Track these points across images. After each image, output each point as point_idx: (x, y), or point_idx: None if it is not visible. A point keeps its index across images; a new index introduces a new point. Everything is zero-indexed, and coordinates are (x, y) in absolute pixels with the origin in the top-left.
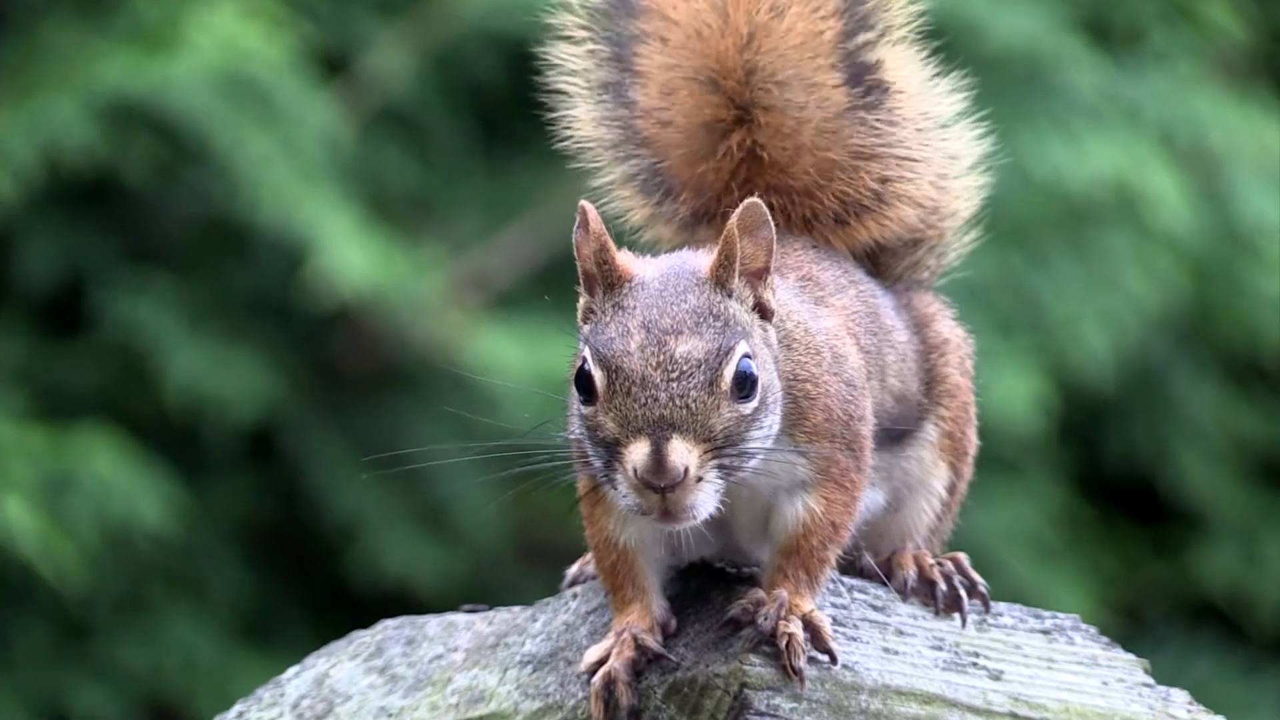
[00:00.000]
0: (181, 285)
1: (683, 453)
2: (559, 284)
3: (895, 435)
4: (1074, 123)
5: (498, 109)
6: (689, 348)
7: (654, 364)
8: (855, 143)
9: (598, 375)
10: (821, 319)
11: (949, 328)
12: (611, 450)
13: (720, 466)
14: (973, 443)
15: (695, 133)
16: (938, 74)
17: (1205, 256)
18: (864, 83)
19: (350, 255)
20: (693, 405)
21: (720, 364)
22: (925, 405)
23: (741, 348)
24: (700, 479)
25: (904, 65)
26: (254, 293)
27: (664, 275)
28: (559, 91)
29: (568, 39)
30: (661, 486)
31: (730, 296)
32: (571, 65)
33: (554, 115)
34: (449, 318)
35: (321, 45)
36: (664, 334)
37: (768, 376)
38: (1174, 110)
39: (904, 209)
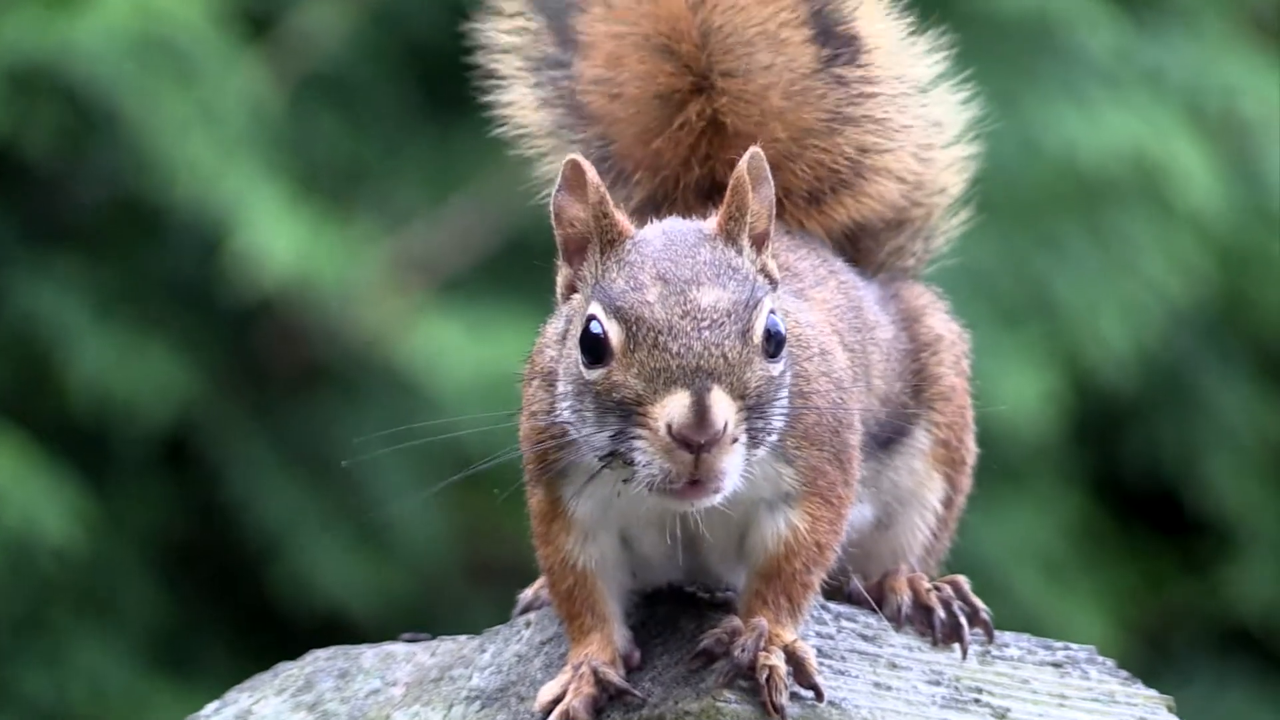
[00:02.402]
0: (88, 270)
1: (725, 405)
2: (512, 265)
3: (882, 441)
4: (1089, 89)
5: (440, 70)
6: (715, 297)
7: (679, 313)
8: (829, 105)
9: (613, 330)
10: (804, 313)
11: (942, 323)
12: (630, 413)
13: (750, 432)
14: (971, 451)
15: (648, 105)
16: (914, 32)
17: (1235, 239)
18: (834, 38)
19: (276, 235)
20: (730, 355)
21: (751, 315)
22: (915, 409)
23: (769, 302)
24: (735, 440)
25: (877, 20)
26: (169, 279)
27: (666, 232)
28: (491, 74)
29: (497, 13)
30: (701, 443)
31: (740, 254)
32: (503, 42)
33: (488, 100)
34: (387, 305)
35: (245, 2)
36: (684, 284)
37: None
38: (1200, 75)
39: (884, 184)
